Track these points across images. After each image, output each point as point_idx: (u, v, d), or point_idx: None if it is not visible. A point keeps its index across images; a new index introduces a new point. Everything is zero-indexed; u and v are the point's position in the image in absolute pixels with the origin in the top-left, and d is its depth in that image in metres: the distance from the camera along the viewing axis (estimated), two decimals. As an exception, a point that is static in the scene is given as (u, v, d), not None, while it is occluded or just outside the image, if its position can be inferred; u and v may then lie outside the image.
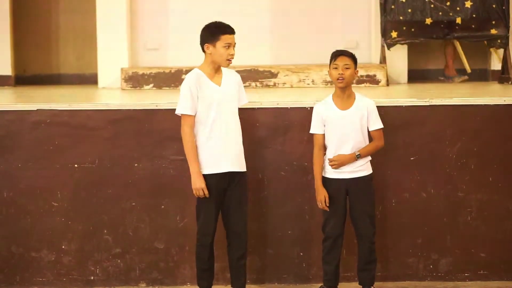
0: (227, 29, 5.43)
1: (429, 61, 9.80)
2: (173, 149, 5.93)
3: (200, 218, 5.52)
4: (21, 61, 10.18)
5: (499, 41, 8.87)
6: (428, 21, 8.83)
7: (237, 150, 5.52)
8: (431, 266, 6.12)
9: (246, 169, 5.60)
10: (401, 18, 8.86)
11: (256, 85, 8.54)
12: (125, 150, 6.07)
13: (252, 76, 8.55)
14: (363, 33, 9.49)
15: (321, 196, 5.58)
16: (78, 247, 6.09)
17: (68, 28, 10.54)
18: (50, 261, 6.10)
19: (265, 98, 6.56)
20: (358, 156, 5.53)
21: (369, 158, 5.62)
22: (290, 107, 6.11)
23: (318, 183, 5.60)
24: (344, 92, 5.59)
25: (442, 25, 8.84)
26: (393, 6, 8.85)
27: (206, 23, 5.52)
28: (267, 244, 6.10)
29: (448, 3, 8.79)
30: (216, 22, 5.49)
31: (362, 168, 5.59)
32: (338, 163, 5.54)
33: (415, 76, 9.48)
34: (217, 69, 5.50)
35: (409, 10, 8.85)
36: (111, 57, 9.03)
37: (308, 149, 5.97)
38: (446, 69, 9.25)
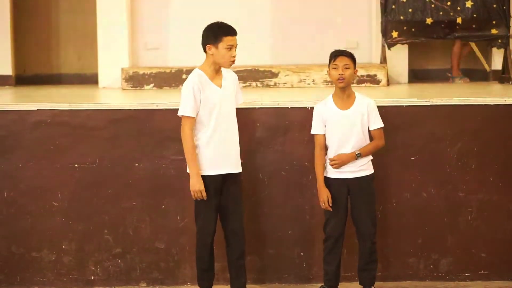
0: (229, 31, 5.40)
1: (434, 61, 9.81)
2: (174, 149, 5.93)
3: (200, 219, 5.52)
4: (22, 61, 10.19)
5: (499, 41, 8.87)
6: (429, 21, 8.83)
7: (236, 152, 5.54)
8: (432, 266, 6.11)
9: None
10: (401, 18, 8.86)
11: (256, 85, 8.54)
12: (125, 150, 6.07)
13: (252, 76, 8.55)
14: (364, 33, 9.49)
15: (324, 196, 5.57)
16: (78, 247, 6.09)
17: (69, 28, 10.55)
18: (51, 261, 6.10)
19: (265, 98, 6.56)
20: (358, 155, 5.53)
21: (371, 157, 5.62)
22: (291, 107, 6.11)
23: (320, 184, 5.60)
24: (344, 92, 5.59)
25: (442, 25, 8.84)
26: (393, 6, 8.85)
27: (207, 23, 5.50)
28: (268, 244, 6.10)
29: (448, 3, 8.79)
30: (218, 22, 5.46)
31: (364, 168, 5.58)
32: (338, 162, 5.54)
33: (417, 75, 9.50)
34: (217, 70, 5.49)
35: (410, 10, 8.85)
36: (112, 57, 9.04)
37: (309, 149, 5.97)
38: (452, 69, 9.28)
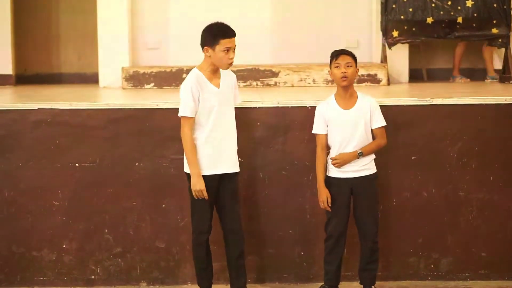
0: (227, 33, 5.37)
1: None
2: (174, 148, 5.93)
3: (194, 218, 5.54)
4: (22, 60, 10.19)
5: (500, 40, 8.87)
6: (429, 20, 8.83)
7: (233, 151, 5.54)
8: (432, 266, 6.11)
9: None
10: (402, 17, 8.86)
11: (257, 84, 8.54)
12: (126, 149, 6.07)
13: (253, 75, 8.55)
14: (364, 32, 9.49)
15: (323, 196, 5.57)
16: (79, 246, 6.09)
17: (69, 27, 10.56)
18: (51, 261, 6.10)
19: (266, 97, 6.56)
20: (360, 154, 5.53)
21: (373, 156, 5.61)
22: (291, 107, 6.11)
23: (320, 184, 5.60)
24: (346, 91, 5.58)
25: (443, 25, 8.84)
26: (394, 6, 8.85)
27: (207, 22, 5.49)
28: (268, 244, 6.10)
29: (449, 3, 8.78)
30: (217, 24, 5.44)
31: (367, 167, 5.58)
32: (340, 161, 5.54)
33: (417, 75, 9.50)
34: (215, 71, 5.48)
35: (410, 10, 8.85)
36: (112, 56, 9.04)
37: (309, 149, 5.97)
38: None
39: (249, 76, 8.51)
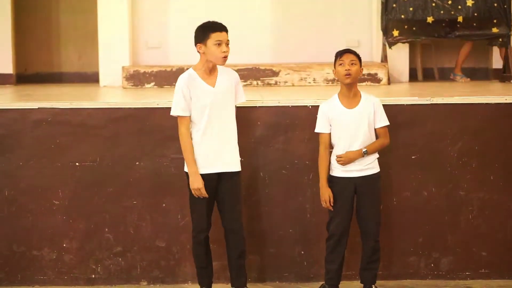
0: (216, 27, 5.42)
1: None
2: (174, 147, 5.92)
3: (194, 216, 5.55)
4: (23, 59, 10.19)
5: (500, 39, 8.87)
6: (430, 19, 8.83)
7: (231, 151, 5.52)
8: (432, 265, 6.11)
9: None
10: (402, 16, 8.86)
11: (257, 84, 8.53)
12: (126, 148, 6.07)
13: (253, 74, 8.54)
14: (365, 32, 9.49)
15: (326, 195, 5.57)
16: (79, 245, 6.10)
17: (70, 26, 10.57)
18: (52, 260, 6.10)
19: (266, 97, 6.56)
20: (365, 152, 5.53)
21: (377, 155, 5.61)
22: (292, 106, 6.11)
23: (323, 183, 5.60)
24: (350, 90, 5.58)
25: (443, 24, 8.84)
26: (394, 5, 8.85)
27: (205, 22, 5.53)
28: (268, 243, 6.10)
29: (449, 2, 8.78)
30: (207, 21, 5.49)
31: (371, 166, 5.58)
32: (345, 159, 5.53)
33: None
34: (211, 69, 5.49)
35: (411, 9, 8.84)
36: (113, 56, 9.04)
37: (310, 148, 5.98)
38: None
39: (250, 75, 8.50)
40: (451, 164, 6.07)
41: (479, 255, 6.11)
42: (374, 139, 5.59)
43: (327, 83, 8.49)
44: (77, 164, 6.06)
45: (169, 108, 5.64)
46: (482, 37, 8.92)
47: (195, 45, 5.46)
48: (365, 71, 8.39)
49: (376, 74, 8.54)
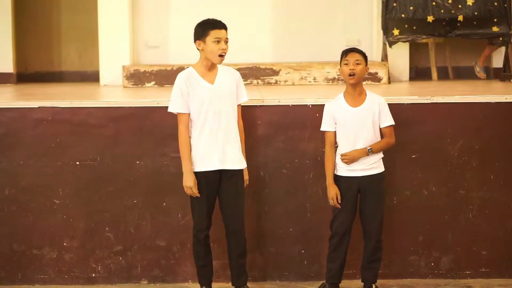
0: (215, 24, 5.43)
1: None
2: (175, 146, 5.91)
3: (194, 215, 5.55)
4: (23, 58, 10.21)
5: (500, 38, 8.87)
6: (430, 18, 8.84)
7: (231, 148, 5.50)
8: (433, 264, 6.11)
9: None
10: (403, 15, 8.86)
11: (257, 83, 8.54)
12: (126, 147, 6.07)
13: (253, 73, 8.55)
14: (365, 31, 9.49)
15: (333, 193, 5.57)
16: (79, 244, 6.10)
17: (70, 25, 10.58)
18: (52, 259, 6.10)
19: (266, 96, 6.56)
20: (369, 151, 5.52)
21: (381, 155, 5.61)
22: (292, 105, 6.11)
23: (330, 181, 5.60)
24: (355, 90, 5.58)
25: (444, 23, 8.85)
26: (395, 4, 8.86)
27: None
28: (268, 242, 6.10)
29: (450, 1, 8.79)
30: (206, 19, 5.51)
31: (375, 166, 5.57)
32: (349, 157, 5.53)
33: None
34: (210, 67, 5.49)
35: (411, 8, 8.85)
36: (113, 55, 9.05)
37: (310, 147, 5.98)
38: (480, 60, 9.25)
39: (250, 74, 8.51)
40: (451, 163, 6.07)
41: (479, 254, 6.11)
42: (379, 138, 5.59)
43: (328, 82, 8.49)
44: (77, 163, 6.06)
45: (169, 107, 5.64)
46: (483, 36, 8.93)
47: (194, 42, 5.47)
48: (365, 70, 8.41)
49: (376, 73, 8.55)
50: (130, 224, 6.09)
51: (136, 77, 8.67)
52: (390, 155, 5.84)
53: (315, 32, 9.53)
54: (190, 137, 5.47)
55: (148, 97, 7.05)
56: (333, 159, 5.61)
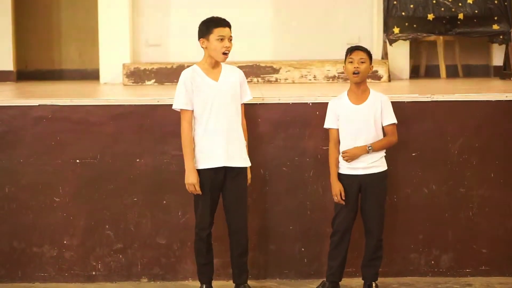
0: (219, 22, 5.43)
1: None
2: (175, 144, 5.92)
3: (197, 213, 5.55)
4: (23, 56, 10.21)
5: (501, 37, 8.87)
6: (430, 17, 8.84)
7: (235, 145, 5.50)
8: (433, 262, 6.12)
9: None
10: (403, 14, 8.87)
11: (258, 81, 8.54)
12: (126, 145, 6.07)
13: (253, 71, 8.55)
14: (365, 29, 9.49)
15: (337, 189, 5.57)
16: (79, 242, 6.10)
17: (70, 24, 10.58)
18: (52, 257, 6.10)
19: (266, 94, 6.56)
20: (369, 149, 5.52)
21: (383, 154, 5.60)
22: (292, 103, 6.11)
23: (333, 177, 5.60)
24: (359, 88, 5.58)
25: (444, 21, 8.85)
26: (395, 2, 8.86)
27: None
28: (269, 240, 6.10)
29: (450, -1, 8.80)
30: (210, 17, 5.51)
31: (376, 165, 5.57)
32: (349, 155, 5.53)
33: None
34: (214, 64, 5.50)
35: (411, 6, 8.86)
36: (113, 53, 9.05)
37: (310, 145, 5.98)
38: None
39: (250, 72, 8.51)
40: (451, 161, 6.07)
41: (479, 252, 6.11)
42: (381, 137, 5.59)
43: (328, 80, 8.49)
44: (77, 161, 6.06)
45: (170, 105, 5.65)
46: (483, 34, 8.93)
47: (198, 40, 5.47)
48: (365, 68, 8.40)
49: (376, 71, 8.55)
50: (130, 222, 6.09)
51: (136, 75, 8.67)
52: (390, 153, 5.84)
53: (316, 30, 9.53)
54: (193, 134, 5.47)
55: (148, 95, 7.05)
56: (337, 156, 5.61)
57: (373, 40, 9.36)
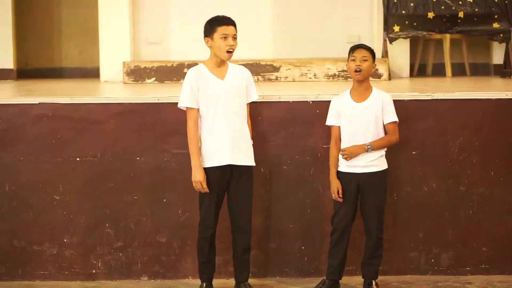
0: (223, 21, 5.43)
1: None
2: (175, 142, 5.93)
3: (202, 211, 5.54)
4: (23, 54, 10.20)
5: (501, 35, 8.87)
6: (431, 15, 8.83)
7: (241, 144, 5.51)
8: (433, 260, 6.12)
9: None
10: (403, 12, 8.86)
11: (258, 79, 8.53)
12: (127, 143, 6.07)
13: (254, 70, 8.54)
14: (365, 27, 9.48)
15: (334, 187, 5.57)
16: (80, 240, 6.10)
17: (70, 22, 10.57)
18: (52, 255, 6.10)
19: (267, 92, 6.56)
20: (368, 148, 5.52)
21: (383, 153, 5.60)
22: (292, 101, 6.11)
23: (333, 175, 5.61)
24: (361, 85, 5.58)
25: (444, 19, 8.84)
26: (395, 0, 8.86)
27: (208, 17, 5.53)
28: (269, 238, 6.11)
29: (450, -3, 8.80)
30: (215, 15, 5.51)
31: (375, 163, 5.56)
32: (348, 153, 5.53)
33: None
34: (220, 63, 5.50)
35: (412, 4, 8.85)
36: (113, 51, 9.04)
37: (310, 143, 5.98)
38: None
39: (250, 70, 8.30)
40: (451, 160, 6.07)
41: (479, 250, 6.11)
42: (382, 135, 5.59)
43: (328, 79, 8.49)
44: (78, 159, 6.07)
45: (170, 103, 5.66)
46: (483, 32, 8.92)
47: (204, 39, 5.48)
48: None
49: (376, 69, 8.54)
50: (130, 220, 6.09)
51: (137, 73, 8.67)
52: (390, 151, 5.84)
53: (316, 28, 9.52)
54: (199, 132, 5.47)
55: (148, 93, 7.05)
56: (337, 154, 5.61)
57: (373, 38, 9.35)
